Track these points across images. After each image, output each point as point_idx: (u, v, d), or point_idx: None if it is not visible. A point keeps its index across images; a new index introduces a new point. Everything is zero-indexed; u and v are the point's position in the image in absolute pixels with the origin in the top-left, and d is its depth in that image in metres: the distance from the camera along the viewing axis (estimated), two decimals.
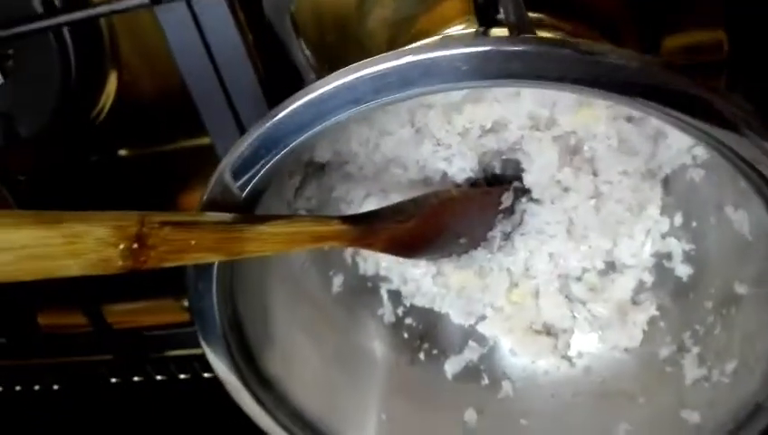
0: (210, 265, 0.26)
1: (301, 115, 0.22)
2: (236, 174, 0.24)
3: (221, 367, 0.28)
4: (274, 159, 0.23)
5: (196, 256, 0.23)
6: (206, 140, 0.41)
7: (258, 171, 0.24)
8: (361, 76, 0.20)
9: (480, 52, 0.19)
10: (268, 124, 0.22)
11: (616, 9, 0.34)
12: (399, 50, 0.20)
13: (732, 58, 0.33)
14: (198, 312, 0.27)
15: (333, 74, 0.21)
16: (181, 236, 0.22)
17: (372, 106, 0.21)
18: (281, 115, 0.22)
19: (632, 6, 0.34)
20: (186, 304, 0.48)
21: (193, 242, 0.22)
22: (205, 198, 0.24)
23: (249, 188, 0.24)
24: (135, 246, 0.21)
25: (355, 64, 0.21)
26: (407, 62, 0.20)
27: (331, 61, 0.27)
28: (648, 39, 0.34)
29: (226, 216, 0.23)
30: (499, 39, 0.21)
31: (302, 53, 0.23)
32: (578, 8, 0.34)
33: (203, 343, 0.28)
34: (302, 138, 0.23)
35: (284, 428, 0.30)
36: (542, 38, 0.21)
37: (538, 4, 0.32)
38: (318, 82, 0.21)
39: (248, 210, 0.25)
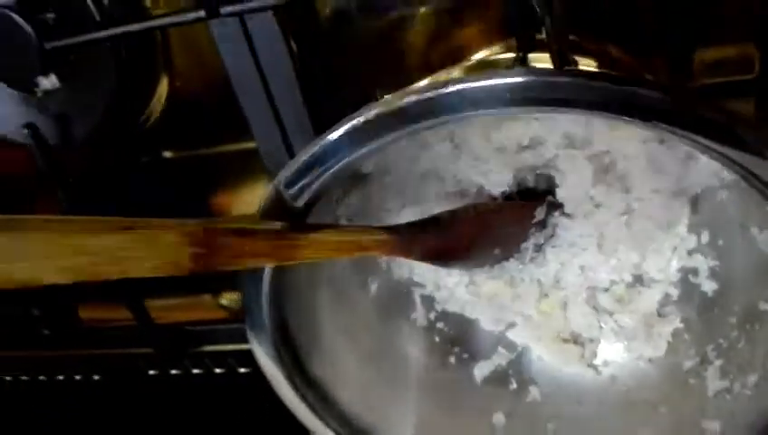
0: (262, 270, 0.28)
1: (354, 135, 0.23)
2: (290, 186, 0.26)
3: (268, 364, 0.30)
4: (326, 174, 0.25)
5: (252, 261, 0.25)
6: (247, 145, 0.43)
7: (311, 184, 0.25)
8: (414, 101, 0.22)
9: (525, 82, 0.21)
10: (323, 142, 0.24)
11: (647, 28, 0.35)
12: (450, 78, 0.22)
13: (762, 76, 0.34)
14: (250, 313, 0.29)
15: (386, 98, 0.23)
16: (241, 243, 0.24)
17: (422, 127, 0.22)
18: (336, 135, 0.24)
19: (663, 25, 0.35)
20: (223, 301, 0.51)
21: (251, 248, 0.24)
22: (261, 207, 0.26)
23: (302, 199, 0.26)
24: (200, 250, 0.23)
25: (407, 89, 0.22)
26: (456, 90, 0.21)
27: (372, 70, 0.28)
28: (679, 58, 0.36)
29: (281, 224, 0.25)
30: (543, 71, 0.22)
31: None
32: (608, 27, 0.35)
33: (252, 342, 0.29)
34: (354, 156, 0.24)
35: (327, 425, 0.32)
36: (581, 71, 0.22)
37: (568, 24, 0.33)
38: (371, 105, 0.23)
39: (300, 219, 0.26)
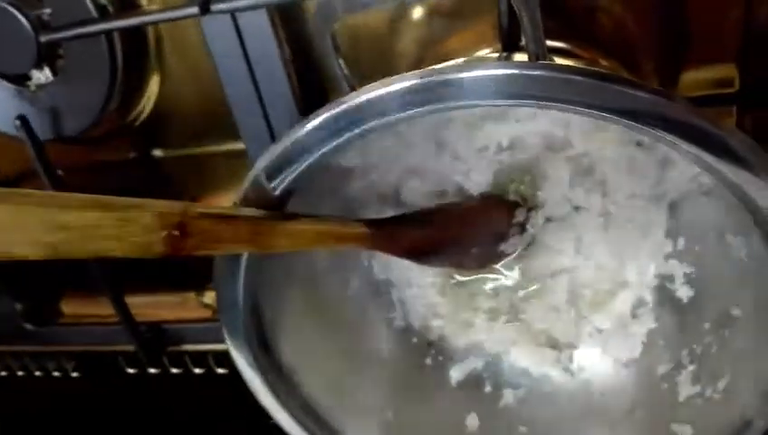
0: (239, 257, 0.28)
1: (333, 124, 0.24)
2: (270, 174, 0.26)
3: (239, 353, 0.30)
4: (306, 163, 0.25)
5: (229, 247, 0.25)
6: (235, 145, 0.44)
7: (290, 173, 0.26)
8: (393, 90, 0.22)
9: (506, 74, 0.21)
10: (303, 130, 0.24)
11: (635, 41, 0.36)
12: (431, 68, 0.22)
13: (742, 90, 0.35)
14: (224, 299, 0.29)
15: (365, 87, 0.23)
16: (218, 228, 0.24)
17: (401, 118, 0.23)
18: (315, 122, 0.24)
19: (651, 39, 0.36)
20: (204, 300, 0.51)
21: (228, 234, 0.24)
22: (241, 194, 0.26)
23: (281, 188, 0.26)
24: (176, 233, 0.23)
25: (387, 79, 0.23)
26: (437, 80, 0.22)
27: (362, 75, 0.29)
28: (666, 70, 0.36)
29: (260, 212, 0.25)
30: (522, 63, 0.23)
31: (338, 67, 0.25)
32: (600, 39, 0.36)
33: (225, 330, 0.29)
34: (332, 145, 0.25)
35: (295, 418, 0.32)
36: (558, 65, 0.23)
37: (562, 34, 0.34)
38: (351, 94, 0.23)
39: (279, 208, 0.27)
